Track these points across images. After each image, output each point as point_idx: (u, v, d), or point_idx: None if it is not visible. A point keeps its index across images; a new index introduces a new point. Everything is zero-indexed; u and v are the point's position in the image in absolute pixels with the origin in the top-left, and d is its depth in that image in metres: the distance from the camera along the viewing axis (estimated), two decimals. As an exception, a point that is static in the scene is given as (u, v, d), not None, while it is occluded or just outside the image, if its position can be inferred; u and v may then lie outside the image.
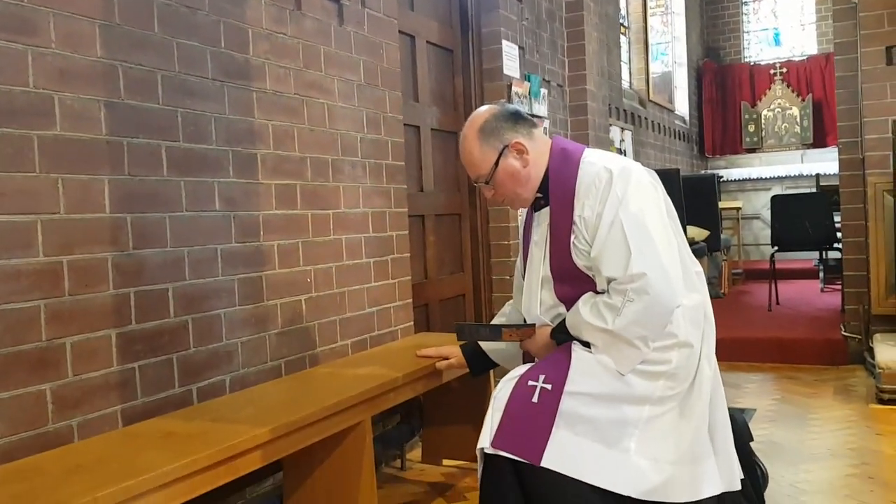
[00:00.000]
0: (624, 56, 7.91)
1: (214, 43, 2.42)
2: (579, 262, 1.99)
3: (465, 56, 4.40)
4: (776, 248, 6.33)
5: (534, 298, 2.14)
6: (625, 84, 7.76)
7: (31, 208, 1.86)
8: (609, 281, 1.91)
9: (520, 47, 4.68)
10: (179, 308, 2.25)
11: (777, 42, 11.25)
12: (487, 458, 1.89)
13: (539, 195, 2.13)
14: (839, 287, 6.10)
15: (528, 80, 4.71)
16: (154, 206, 2.19)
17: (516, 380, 1.95)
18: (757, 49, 11.37)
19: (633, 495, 1.82)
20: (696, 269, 2.06)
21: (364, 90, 3.16)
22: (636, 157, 7.42)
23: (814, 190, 8.24)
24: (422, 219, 3.95)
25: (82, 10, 2.01)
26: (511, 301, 2.49)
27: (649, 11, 9.77)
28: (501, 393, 1.94)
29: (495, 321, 2.49)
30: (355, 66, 3.11)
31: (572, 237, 1.99)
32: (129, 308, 2.10)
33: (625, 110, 7.22)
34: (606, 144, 5.87)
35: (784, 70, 10.54)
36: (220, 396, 2.37)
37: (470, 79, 4.40)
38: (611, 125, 6.34)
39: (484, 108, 2.16)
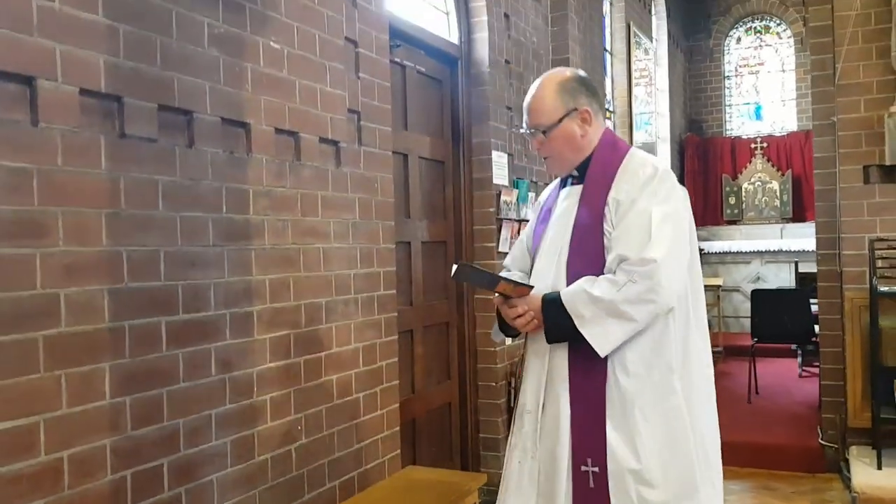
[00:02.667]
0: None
1: (216, 210, 2.48)
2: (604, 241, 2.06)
3: (455, 166, 4.49)
4: (756, 339, 6.45)
5: (550, 271, 2.16)
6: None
7: (34, 409, 1.89)
8: (620, 260, 1.97)
9: (509, 154, 4.78)
10: (173, 481, 2.28)
11: (758, 116, 11.51)
12: None
13: (575, 172, 2.20)
14: (816, 370, 6.20)
15: (517, 188, 4.81)
16: (152, 384, 2.22)
17: (570, 467, 2.05)
18: (739, 122, 11.63)
19: None
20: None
21: (358, 227, 3.22)
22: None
23: (791, 272, 8.44)
24: (410, 333, 4.00)
25: (90, 203, 2.05)
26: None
27: (634, 82, 10.01)
28: (559, 486, 2.05)
29: None
30: (350, 205, 3.17)
31: (602, 217, 2.06)
32: (125, 492, 2.12)
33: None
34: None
35: (765, 145, 10.78)
36: (210, 564, 2.39)
37: (460, 188, 4.49)
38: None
39: (570, 69, 2.27)
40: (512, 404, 4.58)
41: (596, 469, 1.99)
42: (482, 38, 4.56)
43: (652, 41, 9.84)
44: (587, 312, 1.97)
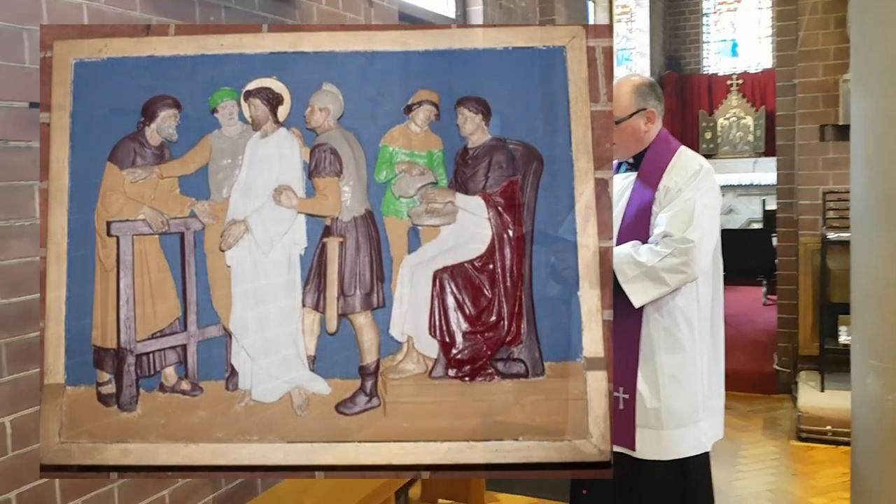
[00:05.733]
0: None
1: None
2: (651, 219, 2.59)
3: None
4: (724, 274, 7.08)
5: None
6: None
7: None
8: (665, 235, 2.47)
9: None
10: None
11: (734, 53, 11.92)
12: None
13: (631, 160, 2.69)
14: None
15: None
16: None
17: None
18: (716, 59, 12.03)
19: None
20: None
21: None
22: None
23: (761, 205, 9.03)
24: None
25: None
26: None
27: (615, 19, 10.41)
28: None
29: None
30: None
31: (653, 201, 2.57)
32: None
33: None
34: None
35: (740, 81, 11.23)
36: None
37: (458, 150, 4.98)
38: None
39: (645, 76, 2.77)
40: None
41: (626, 396, 2.57)
42: (477, 10, 4.98)
43: (633, -17, 10.17)
44: (630, 272, 2.48)
